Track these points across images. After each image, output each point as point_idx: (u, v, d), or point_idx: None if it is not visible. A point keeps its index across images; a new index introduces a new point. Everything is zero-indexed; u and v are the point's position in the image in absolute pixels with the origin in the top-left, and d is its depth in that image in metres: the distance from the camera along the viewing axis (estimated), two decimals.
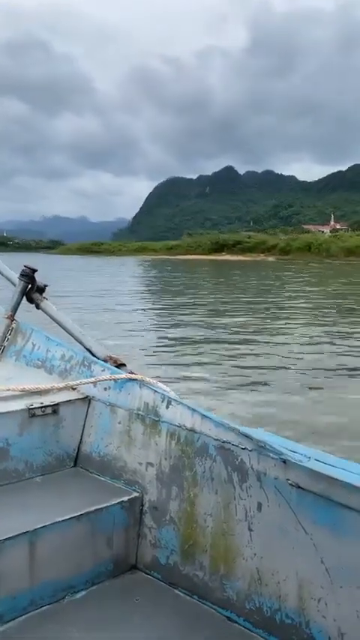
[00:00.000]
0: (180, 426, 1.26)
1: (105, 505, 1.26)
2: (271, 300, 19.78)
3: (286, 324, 13.32)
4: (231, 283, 30.04)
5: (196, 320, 13.88)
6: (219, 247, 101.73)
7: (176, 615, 1.15)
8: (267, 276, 36.10)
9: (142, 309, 16.86)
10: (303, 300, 19.37)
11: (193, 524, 1.20)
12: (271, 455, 1.06)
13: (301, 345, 10.23)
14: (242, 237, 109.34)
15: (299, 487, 1.01)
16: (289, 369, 8.14)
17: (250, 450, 1.11)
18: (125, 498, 1.30)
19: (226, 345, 10.14)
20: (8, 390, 1.47)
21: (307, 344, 10.36)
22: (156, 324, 13.63)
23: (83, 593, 1.22)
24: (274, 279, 32.81)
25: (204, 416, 1.22)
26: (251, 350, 9.73)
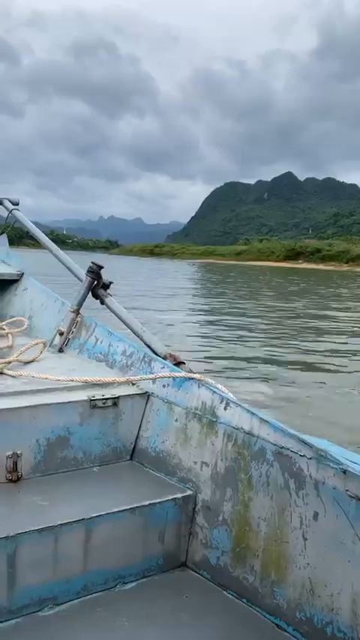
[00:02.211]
0: (237, 428, 1.26)
1: (159, 500, 1.28)
2: None
3: None
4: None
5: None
6: (294, 254, 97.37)
7: (224, 617, 1.15)
8: None
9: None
10: None
11: (246, 527, 1.20)
12: (331, 464, 1.04)
13: None
14: (323, 244, 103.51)
15: (359, 499, 0.98)
16: None
17: (309, 458, 1.09)
18: (179, 495, 1.32)
19: None
20: (71, 380, 1.52)
21: None
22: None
23: (133, 584, 1.24)
24: None
25: (262, 420, 1.22)
26: None
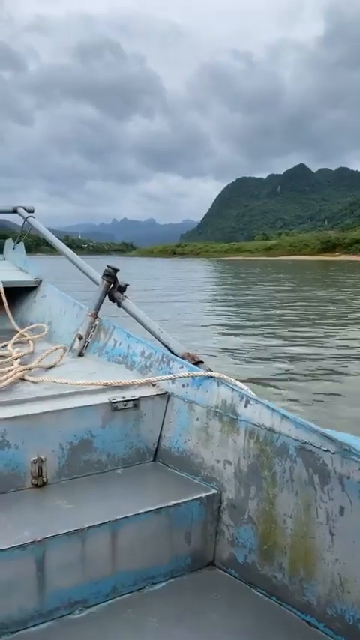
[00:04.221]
0: (259, 425, 1.26)
1: (183, 500, 1.29)
2: None
3: None
4: None
5: None
6: (330, 247, 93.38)
7: (254, 615, 1.15)
8: None
9: None
10: None
11: (272, 524, 1.19)
12: (356, 458, 1.03)
13: None
14: None
15: None
16: None
17: (332, 453, 1.08)
18: (203, 495, 1.31)
19: None
20: (92, 384, 1.54)
21: None
22: None
23: (162, 584, 1.25)
24: None
25: (284, 416, 1.21)
26: None
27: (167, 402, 1.54)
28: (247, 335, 10.83)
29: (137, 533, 1.22)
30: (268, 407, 1.26)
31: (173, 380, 1.54)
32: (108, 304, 1.98)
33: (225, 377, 1.42)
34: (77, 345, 1.99)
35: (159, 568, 1.25)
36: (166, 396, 1.54)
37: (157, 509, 1.24)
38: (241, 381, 1.43)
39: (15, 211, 3.05)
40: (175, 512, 1.27)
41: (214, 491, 1.33)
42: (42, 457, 1.34)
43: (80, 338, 1.98)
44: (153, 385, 1.58)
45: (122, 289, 1.93)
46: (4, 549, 1.05)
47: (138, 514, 1.22)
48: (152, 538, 1.24)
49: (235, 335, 10.77)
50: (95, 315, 1.98)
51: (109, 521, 1.18)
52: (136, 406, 1.49)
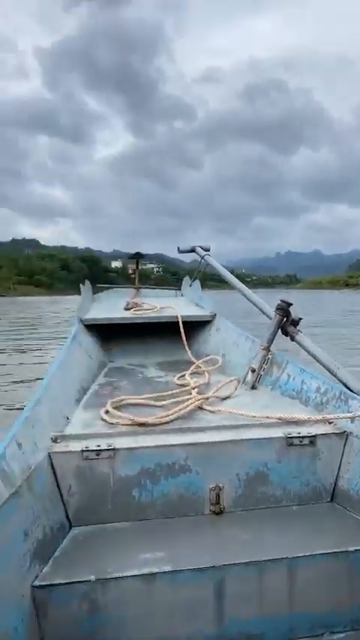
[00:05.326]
0: None
1: None
2: None
3: None
4: None
5: None
6: None
7: None
8: None
9: None
10: None
11: None
12: None
13: None
14: None
15: None
16: None
17: None
18: None
19: None
20: (267, 417, 1.55)
21: None
22: None
23: (342, 635, 1.17)
24: None
25: None
26: None
27: (345, 441, 1.48)
28: None
29: (315, 575, 1.18)
30: None
31: (352, 419, 1.47)
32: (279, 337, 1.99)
33: None
34: (250, 377, 2.04)
35: (339, 616, 1.18)
36: (344, 435, 1.48)
37: (336, 552, 1.18)
38: None
39: (193, 250, 3.32)
40: (356, 558, 1.19)
41: None
42: (220, 485, 1.39)
43: (253, 371, 2.03)
44: (330, 423, 1.53)
45: (296, 323, 1.93)
46: (186, 569, 1.12)
47: (316, 554, 1.18)
48: (331, 582, 1.18)
49: None
50: (268, 349, 2.01)
51: (286, 557, 1.16)
52: (312, 443, 1.46)
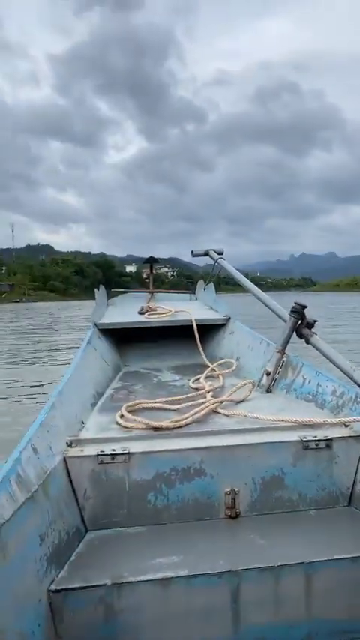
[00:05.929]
0: None
1: None
2: None
3: None
4: None
5: None
6: None
7: None
8: None
9: None
10: None
11: None
12: None
13: None
14: None
15: None
16: None
17: None
18: None
19: None
20: (282, 420, 1.54)
21: None
22: None
23: None
24: None
25: None
26: None
27: None
28: None
29: (333, 580, 1.16)
30: None
31: None
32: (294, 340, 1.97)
33: None
34: (265, 380, 2.02)
35: (357, 623, 1.16)
36: None
37: (354, 557, 1.17)
38: None
39: (207, 254, 3.32)
40: None
41: None
42: (235, 489, 1.38)
43: (268, 374, 2.01)
44: (346, 426, 1.51)
45: (311, 326, 1.92)
46: (202, 574, 1.11)
47: (334, 560, 1.16)
48: (349, 588, 1.16)
49: None
50: (283, 352, 1.99)
51: (303, 562, 1.15)
52: (328, 447, 1.44)
